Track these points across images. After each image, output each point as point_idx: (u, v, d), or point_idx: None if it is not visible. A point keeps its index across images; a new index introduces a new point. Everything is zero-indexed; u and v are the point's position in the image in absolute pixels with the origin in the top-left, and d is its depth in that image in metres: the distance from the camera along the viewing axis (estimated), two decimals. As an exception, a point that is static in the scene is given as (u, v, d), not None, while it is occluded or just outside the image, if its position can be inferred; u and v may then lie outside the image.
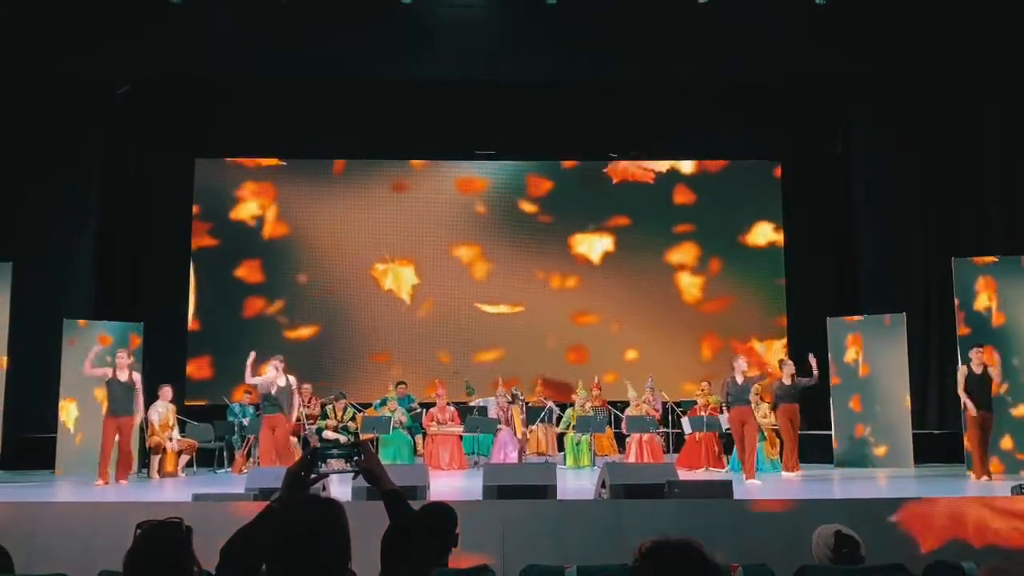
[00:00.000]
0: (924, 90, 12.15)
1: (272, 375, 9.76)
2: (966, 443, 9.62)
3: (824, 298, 12.96)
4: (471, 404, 12.24)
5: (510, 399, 11.72)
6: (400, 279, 13.69)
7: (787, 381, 10.13)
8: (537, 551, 5.50)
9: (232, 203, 13.62)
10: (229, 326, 13.17)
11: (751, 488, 8.75)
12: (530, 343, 13.50)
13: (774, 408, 10.38)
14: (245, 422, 11.26)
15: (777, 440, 10.56)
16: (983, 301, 10.31)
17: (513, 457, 11.08)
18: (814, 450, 11.00)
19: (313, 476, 2.35)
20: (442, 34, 11.31)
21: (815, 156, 13.67)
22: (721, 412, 10.90)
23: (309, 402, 11.46)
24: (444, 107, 12.85)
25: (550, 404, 12.15)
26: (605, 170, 14.01)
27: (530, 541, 6.04)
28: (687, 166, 14.09)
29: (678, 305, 13.80)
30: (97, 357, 9.70)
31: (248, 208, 13.67)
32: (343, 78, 12.28)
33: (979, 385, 9.40)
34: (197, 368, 13.16)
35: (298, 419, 10.60)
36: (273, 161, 13.81)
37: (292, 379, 9.90)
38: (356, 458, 2.45)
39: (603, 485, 7.24)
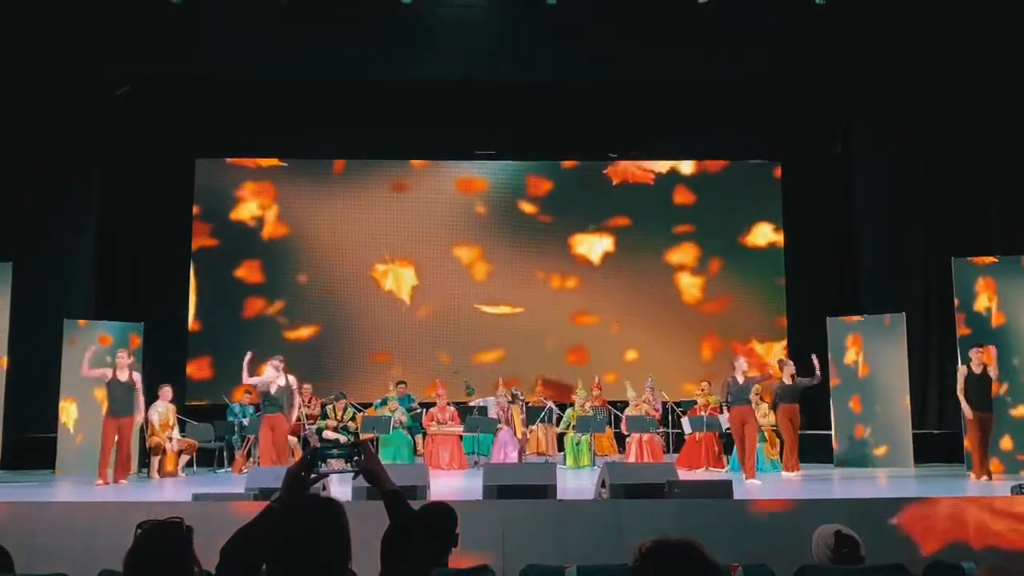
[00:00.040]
0: (924, 90, 12.15)
1: (271, 375, 9.74)
2: (966, 443, 9.62)
3: (824, 298, 12.97)
4: (471, 404, 12.25)
5: (510, 399, 11.71)
6: (400, 279, 13.69)
7: (787, 381, 10.13)
8: (537, 551, 5.49)
9: (232, 203, 13.62)
10: (229, 326, 13.17)
11: (751, 488, 8.75)
12: (530, 343, 13.50)
13: (774, 408, 10.38)
14: (245, 422, 11.26)
15: (777, 440, 10.56)
16: (983, 301, 10.31)
17: (513, 457, 11.08)
18: (814, 450, 11.00)
19: (313, 476, 2.35)
20: (442, 34, 11.31)
21: (815, 156, 13.67)
22: (721, 412, 10.91)
23: (309, 402, 11.46)
24: (444, 107, 12.85)
25: (550, 404, 12.15)
26: (605, 170, 14.00)
27: (530, 541, 6.03)
28: (687, 166, 14.09)
29: (678, 305, 13.80)
30: (96, 357, 9.70)
31: (248, 208, 13.67)
32: (343, 78, 12.29)
33: (979, 385, 9.37)
34: (197, 368, 13.16)
35: (298, 419, 10.58)
36: (273, 161, 13.81)
37: (292, 379, 9.89)
38: (356, 458, 2.45)
39: (603, 485, 7.24)
